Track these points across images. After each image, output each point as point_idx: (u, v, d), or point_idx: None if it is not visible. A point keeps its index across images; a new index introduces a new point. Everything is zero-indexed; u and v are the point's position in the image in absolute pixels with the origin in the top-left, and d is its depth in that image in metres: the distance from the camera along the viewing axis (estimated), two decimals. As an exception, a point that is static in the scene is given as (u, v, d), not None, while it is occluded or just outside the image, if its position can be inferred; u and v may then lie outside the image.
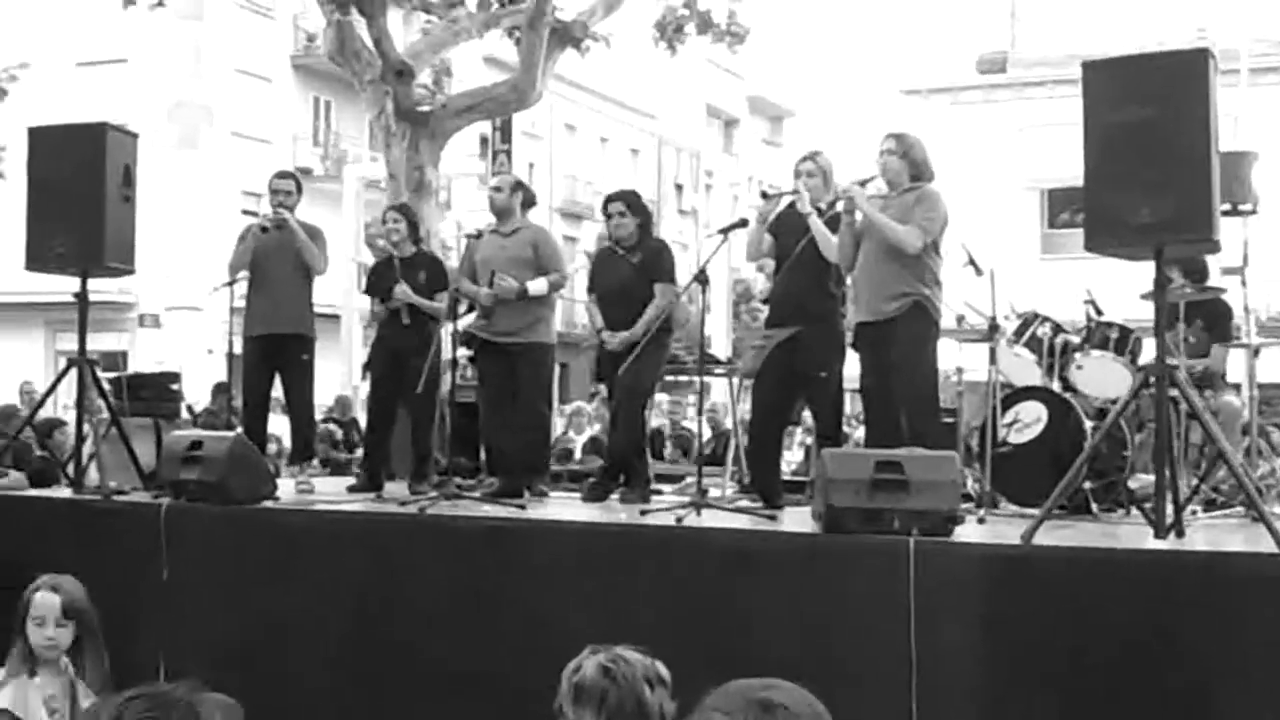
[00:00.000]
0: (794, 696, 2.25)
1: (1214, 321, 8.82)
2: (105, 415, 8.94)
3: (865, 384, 7.87)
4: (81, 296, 8.84)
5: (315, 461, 11.33)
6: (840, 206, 7.81)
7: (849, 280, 8.01)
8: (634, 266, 8.66)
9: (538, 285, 8.95)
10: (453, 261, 11.19)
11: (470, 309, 9.59)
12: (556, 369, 9.67)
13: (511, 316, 8.93)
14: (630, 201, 8.86)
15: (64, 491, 8.80)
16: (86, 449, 8.89)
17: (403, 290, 9.22)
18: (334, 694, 7.10)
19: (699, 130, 54.71)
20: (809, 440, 11.81)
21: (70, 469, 8.93)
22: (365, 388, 12.30)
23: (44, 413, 12.11)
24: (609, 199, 8.99)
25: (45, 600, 5.30)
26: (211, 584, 7.51)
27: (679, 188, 52.31)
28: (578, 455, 13.99)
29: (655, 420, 12.01)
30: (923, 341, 7.62)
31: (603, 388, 10.67)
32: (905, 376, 7.58)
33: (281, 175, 9.77)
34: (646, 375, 8.57)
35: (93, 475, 8.73)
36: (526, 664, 6.23)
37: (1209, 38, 23.59)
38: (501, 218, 9.21)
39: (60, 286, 10.52)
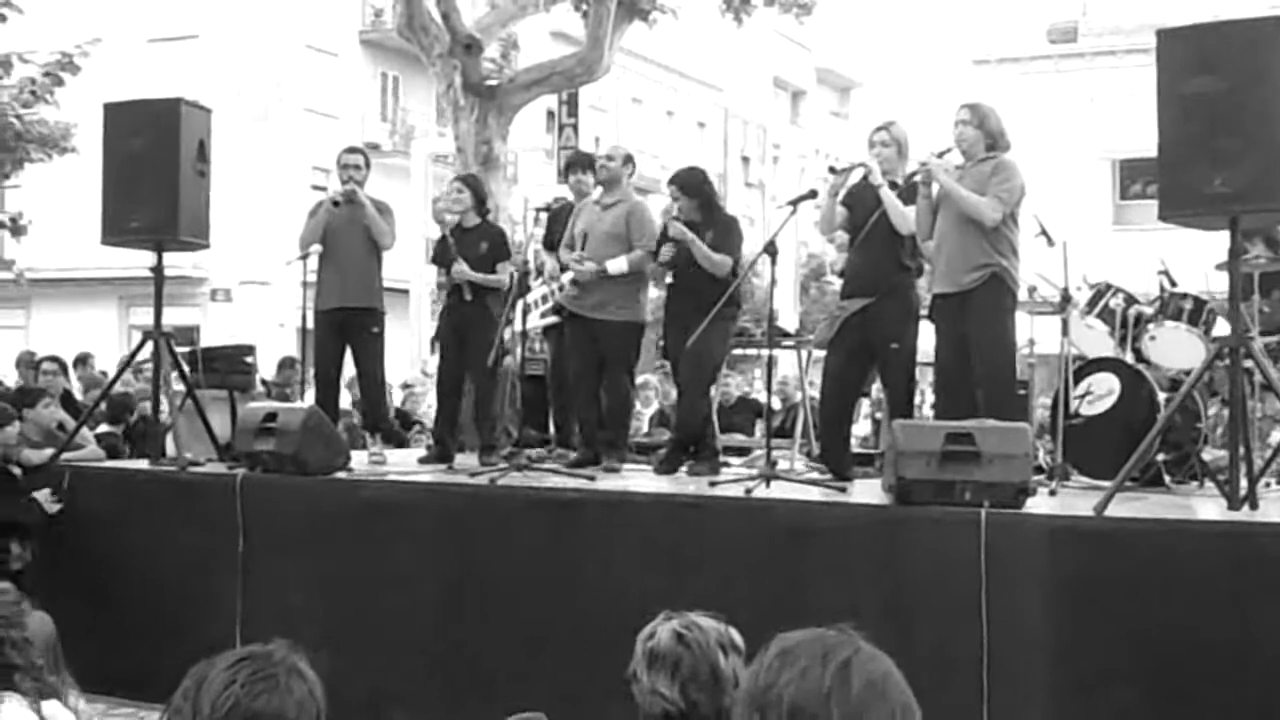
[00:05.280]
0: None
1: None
2: (181, 388, 9.05)
3: (941, 356, 7.76)
4: (157, 270, 8.96)
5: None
6: (919, 179, 7.77)
7: (926, 252, 7.97)
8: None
9: (617, 265, 8.80)
10: (519, 236, 11.20)
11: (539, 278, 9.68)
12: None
13: (602, 291, 8.86)
14: (683, 183, 8.73)
15: (140, 463, 8.93)
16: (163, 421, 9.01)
17: (459, 270, 9.23)
18: (407, 661, 7.18)
19: (766, 102, 54.51)
20: (878, 414, 11.73)
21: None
22: (435, 361, 12.36)
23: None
24: (669, 181, 8.94)
25: None
26: (286, 554, 7.62)
27: (746, 160, 52.20)
28: (645, 428, 14.00)
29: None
30: (1001, 313, 7.56)
31: (667, 364, 10.63)
32: (983, 349, 7.50)
33: (350, 150, 9.82)
34: (714, 348, 8.53)
35: (169, 447, 8.84)
36: (599, 631, 6.30)
37: (1285, 5, 23.22)
38: (608, 188, 9.12)
39: (133, 261, 10.65)
